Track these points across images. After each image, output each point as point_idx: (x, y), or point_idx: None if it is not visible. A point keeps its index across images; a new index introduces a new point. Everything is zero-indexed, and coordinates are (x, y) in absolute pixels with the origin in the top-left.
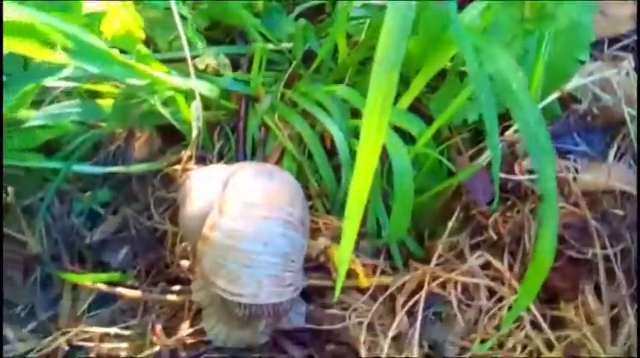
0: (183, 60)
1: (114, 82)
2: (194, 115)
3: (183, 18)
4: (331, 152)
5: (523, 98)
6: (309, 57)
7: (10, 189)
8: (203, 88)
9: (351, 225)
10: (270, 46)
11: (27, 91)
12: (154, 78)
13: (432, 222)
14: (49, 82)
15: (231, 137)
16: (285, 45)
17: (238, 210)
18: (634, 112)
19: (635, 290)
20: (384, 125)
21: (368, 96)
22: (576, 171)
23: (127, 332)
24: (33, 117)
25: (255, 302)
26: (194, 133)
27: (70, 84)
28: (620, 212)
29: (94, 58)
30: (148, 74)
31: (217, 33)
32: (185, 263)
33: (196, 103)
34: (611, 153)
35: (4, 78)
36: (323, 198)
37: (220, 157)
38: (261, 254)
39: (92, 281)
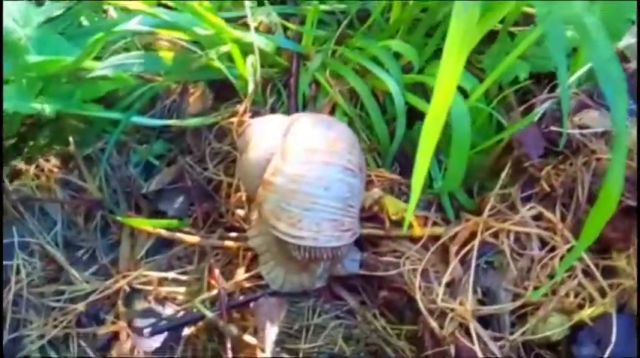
0: (235, 19)
1: (173, 37)
2: (250, 70)
3: None
4: (381, 108)
5: (597, 36)
6: (359, 16)
7: (71, 139)
8: (261, 42)
9: (423, 156)
10: (323, 6)
11: (96, 40)
12: (218, 28)
13: (482, 177)
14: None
15: (283, 93)
16: (336, 6)
17: (300, 156)
18: None
19: None
20: (460, 64)
21: (448, 35)
22: (630, 132)
23: (184, 277)
24: (98, 68)
25: (314, 245)
26: (250, 86)
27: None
28: None
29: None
30: (214, 24)
31: None
32: (240, 212)
33: (253, 57)
34: None
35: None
36: (374, 152)
37: (272, 112)
38: (321, 198)
39: (152, 226)
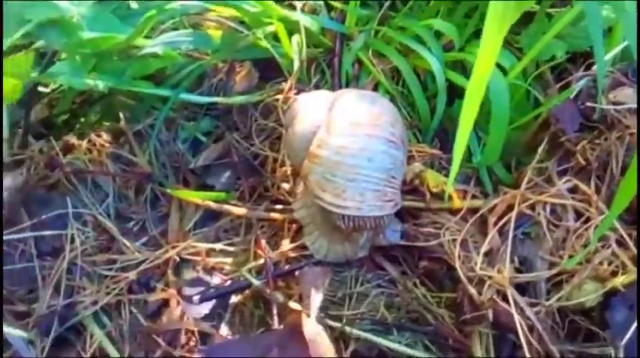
0: (281, 1)
1: (220, 17)
2: (295, 48)
3: None
4: (422, 86)
5: (632, 12)
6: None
7: (122, 115)
8: (306, 21)
9: (463, 130)
10: None
11: (148, 18)
12: (265, 5)
13: (519, 153)
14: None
15: (327, 72)
16: None
17: (345, 129)
18: None
19: None
20: (499, 42)
21: (487, 15)
22: None
23: (231, 248)
24: (148, 45)
25: (358, 215)
26: (296, 64)
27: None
28: None
29: None
30: (261, 1)
31: None
32: (285, 185)
33: (299, 36)
34: None
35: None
36: (415, 128)
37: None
38: (365, 169)
39: (200, 198)
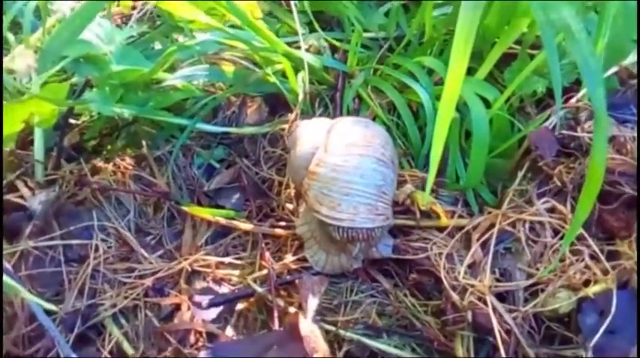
0: (290, 44)
1: (234, 56)
2: (300, 83)
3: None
4: (414, 116)
5: (579, 35)
6: (398, 41)
7: (144, 143)
8: (309, 58)
9: (439, 135)
10: (366, 34)
11: (169, 53)
12: (272, 42)
13: (504, 179)
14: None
15: (330, 106)
16: (376, 35)
17: (341, 149)
18: None
19: None
20: (460, 78)
21: (451, 56)
22: (633, 138)
23: (238, 262)
24: (170, 78)
25: (352, 226)
26: (300, 96)
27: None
28: None
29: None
30: (268, 38)
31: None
32: (289, 206)
33: (303, 72)
34: None
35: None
36: (408, 156)
37: None
38: (358, 184)
39: (212, 215)
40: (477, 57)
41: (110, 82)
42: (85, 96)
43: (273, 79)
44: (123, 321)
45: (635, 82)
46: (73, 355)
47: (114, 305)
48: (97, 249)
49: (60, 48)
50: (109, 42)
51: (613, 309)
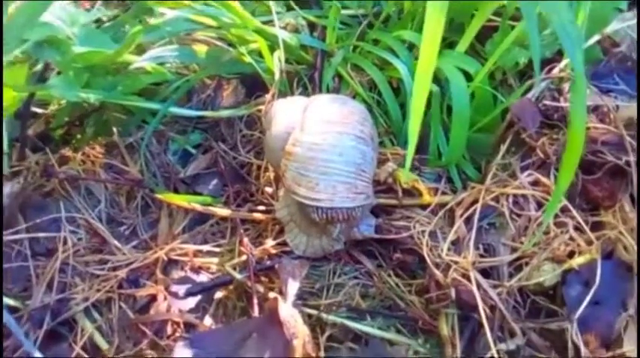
0: (266, 22)
1: (207, 37)
2: (276, 62)
3: None
4: (396, 93)
5: (559, 5)
6: (377, 17)
7: (114, 129)
8: (284, 35)
9: (416, 107)
10: (344, 11)
11: (134, 33)
12: (244, 18)
13: (488, 154)
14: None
15: (309, 86)
16: (355, 11)
17: (317, 127)
18: None
19: None
20: (436, 47)
21: (425, 25)
22: (616, 107)
23: (217, 249)
24: (138, 60)
25: (331, 206)
26: (276, 75)
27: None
28: None
29: None
30: (239, 14)
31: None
32: (268, 189)
33: (279, 51)
34: None
35: None
36: (390, 135)
37: None
38: (336, 163)
39: (188, 202)
40: (458, 30)
41: (74, 66)
42: (49, 82)
43: (248, 58)
44: (96, 315)
45: (618, 50)
46: (37, 353)
47: (86, 299)
48: (65, 242)
49: (19, 31)
50: (72, 24)
51: (597, 280)
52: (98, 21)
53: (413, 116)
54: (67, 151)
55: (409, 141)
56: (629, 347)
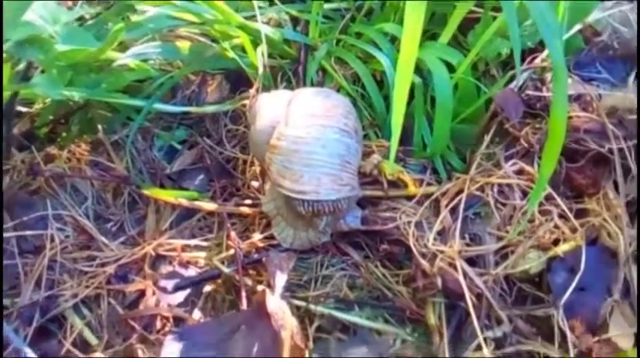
0: (249, 18)
1: (190, 32)
2: (259, 56)
3: None
4: (380, 86)
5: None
6: (360, 10)
7: (99, 127)
8: (267, 30)
9: (399, 97)
10: (327, 5)
11: (117, 30)
12: (226, 14)
13: (472, 144)
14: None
15: (293, 80)
16: (338, 5)
17: (301, 120)
18: None
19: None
20: (416, 37)
21: (405, 15)
22: (599, 96)
23: (205, 244)
24: (121, 57)
25: (316, 199)
26: (260, 69)
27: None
28: (633, 116)
29: None
30: (221, 10)
31: None
32: (255, 183)
33: (262, 46)
34: (630, 79)
35: None
36: (375, 127)
37: None
38: (320, 154)
39: (174, 197)
40: (440, 22)
41: (57, 64)
42: (32, 81)
43: (231, 53)
44: (85, 311)
45: (600, 39)
46: (27, 349)
47: (75, 296)
48: (53, 239)
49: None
50: (54, 23)
51: (582, 266)
52: (81, 19)
53: (395, 108)
54: (52, 149)
55: (392, 133)
56: (615, 332)
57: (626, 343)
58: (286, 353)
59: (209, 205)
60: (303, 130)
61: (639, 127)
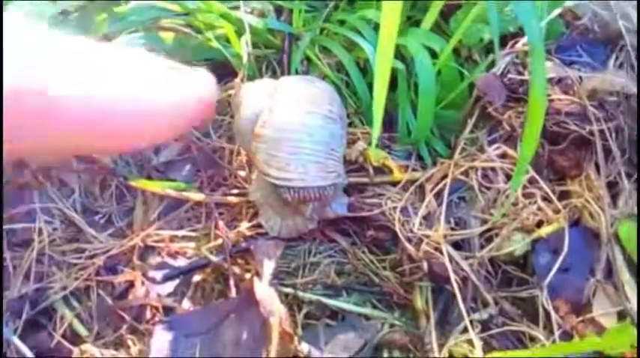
0: (233, 8)
1: (174, 24)
2: (243, 45)
3: None
4: (364, 74)
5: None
6: None
7: None
8: (250, 19)
9: (380, 80)
10: None
11: (99, 23)
12: (210, 4)
13: (456, 130)
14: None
15: (277, 70)
16: None
17: (285, 107)
18: (630, 26)
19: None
20: (395, 20)
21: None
22: (580, 79)
23: (193, 234)
24: None
25: (302, 186)
26: (244, 59)
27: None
28: (614, 98)
29: None
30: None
31: None
32: (241, 173)
33: (246, 36)
34: (611, 62)
35: None
36: (359, 115)
37: None
38: (305, 142)
39: (161, 188)
40: (422, 8)
41: None
42: None
43: (215, 44)
44: (75, 303)
45: (580, 22)
46: (16, 340)
47: (64, 288)
48: (41, 232)
49: None
50: (40, 17)
51: (565, 248)
52: (64, 12)
53: (376, 93)
54: None
55: (374, 119)
56: (598, 311)
57: (609, 322)
58: (275, 339)
59: (197, 195)
60: (288, 118)
61: (639, 126)
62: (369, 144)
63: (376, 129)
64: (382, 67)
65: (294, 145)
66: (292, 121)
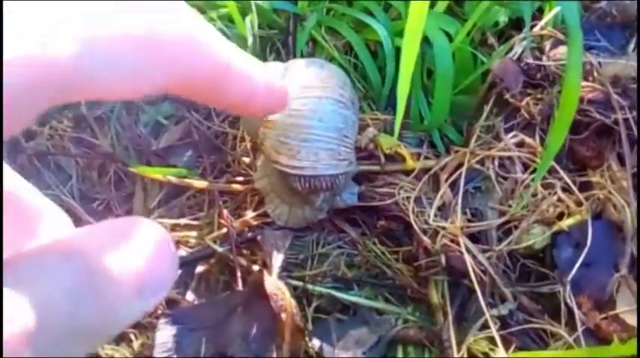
0: None
1: None
2: (248, 26)
3: None
4: (373, 56)
5: None
6: None
7: (82, 101)
8: None
9: (405, 68)
10: None
11: None
12: None
13: (470, 116)
14: None
15: (282, 52)
16: None
17: (296, 92)
18: None
19: None
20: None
21: None
22: (600, 64)
23: (195, 222)
24: None
25: (313, 174)
26: (249, 40)
27: None
28: (635, 85)
29: None
30: None
31: None
32: (246, 159)
33: (252, 15)
34: (630, 47)
35: None
36: (369, 99)
37: None
38: (317, 128)
39: (162, 174)
40: None
41: None
42: None
43: (219, 23)
44: None
45: (598, 6)
46: None
47: None
48: None
49: None
50: None
51: (588, 241)
52: None
53: (401, 81)
54: (33, 126)
55: (398, 107)
56: (622, 307)
57: (633, 319)
58: (287, 335)
59: (199, 183)
60: (299, 102)
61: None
62: (380, 130)
63: (399, 118)
64: (409, 53)
65: (306, 131)
66: (303, 107)
